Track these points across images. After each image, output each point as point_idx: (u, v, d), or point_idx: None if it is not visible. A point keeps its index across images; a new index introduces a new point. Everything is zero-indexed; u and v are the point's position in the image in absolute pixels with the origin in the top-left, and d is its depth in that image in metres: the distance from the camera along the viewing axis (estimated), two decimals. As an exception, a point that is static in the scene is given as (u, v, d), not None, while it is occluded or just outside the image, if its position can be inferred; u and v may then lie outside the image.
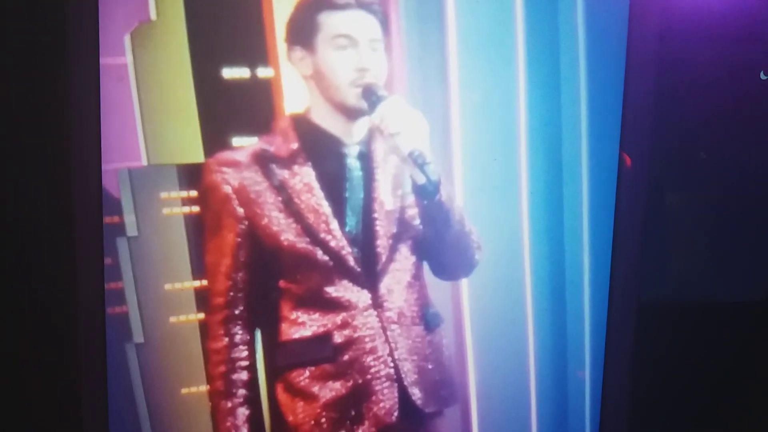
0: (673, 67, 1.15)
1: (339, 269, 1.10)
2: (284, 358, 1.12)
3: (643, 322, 1.21)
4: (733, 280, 1.29)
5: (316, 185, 1.09)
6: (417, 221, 1.12)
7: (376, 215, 1.11)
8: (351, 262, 1.11)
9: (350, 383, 1.12)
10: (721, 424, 1.31)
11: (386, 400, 1.12)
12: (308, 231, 1.09)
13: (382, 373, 1.12)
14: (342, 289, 1.11)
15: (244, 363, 1.10)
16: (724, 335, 1.28)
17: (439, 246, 1.14)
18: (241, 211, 1.08)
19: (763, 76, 1.20)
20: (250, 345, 1.11)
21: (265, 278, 1.10)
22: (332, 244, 1.10)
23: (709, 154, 1.21)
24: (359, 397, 1.12)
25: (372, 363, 1.12)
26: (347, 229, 1.11)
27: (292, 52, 1.07)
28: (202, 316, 1.11)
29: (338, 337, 1.11)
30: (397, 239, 1.13)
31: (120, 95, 1.06)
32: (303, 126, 1.09)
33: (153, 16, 1.05)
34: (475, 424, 1.22)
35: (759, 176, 1.25)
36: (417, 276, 1.15)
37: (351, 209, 1.11)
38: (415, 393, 1.13)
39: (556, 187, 1.18)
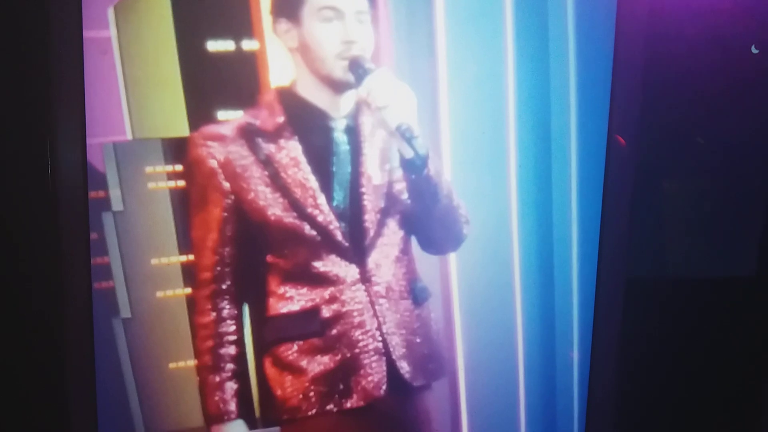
0: (663, 40, 1.14)
1: (327, 244, 1.10)
2: (272, 332, 1.12)
3: (631, 296, 1.22)
4: (720, 255, 1.29)
5: (302, 159, 1.08)
6: (405, 195, 1.12)
7: (363, 189, 1.11)
8: (339, 236, 1.10)
9: (338, 357, 1.12)
10: (708, 400, 1.32)
11: (374, 374, 1.13)
12: (295, 205, 1.09)
13: (371, 347, 1.13)
14: (330, 264, 1.11)
15: (232, 337, 1.10)
16: (711, 311, 1.28)
17: (427, 220, 1.14)
18: (227, 185, 1.08)
19: (754, 50, 1.19)
20: (238, 319, 1.11)
21: (252, 253, 1.10)
22: (320, 218, 1.09)
23: (698, 132, 1.21)
24: (347, 371, 1.12)
25: (360, 337, 1.12)
26: (334, 203, 1.10)
27: (277, 24, 1.06)
28: (189, 290, 1.11)
29: (326, 312, 1.11)
30: (385, 213, 1.12)
31: (104, 69, 1.05)
32: (289, 99, 1.08)
33: (137, -13, 1.04)
34: (463, 398, 1.22)
35: (747, 153, 1.25)
36: (405, 250, 1.15)
37: (338, 183, 1.10)
38: (404, 367, 1.14)
39: (545, 161, 1.18)
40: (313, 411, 1.12)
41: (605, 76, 1.15)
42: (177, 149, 1.08)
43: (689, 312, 1.26)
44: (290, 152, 1.08)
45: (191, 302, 1.11)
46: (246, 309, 1.12)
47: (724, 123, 1.22)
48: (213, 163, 1.07)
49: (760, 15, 1.18)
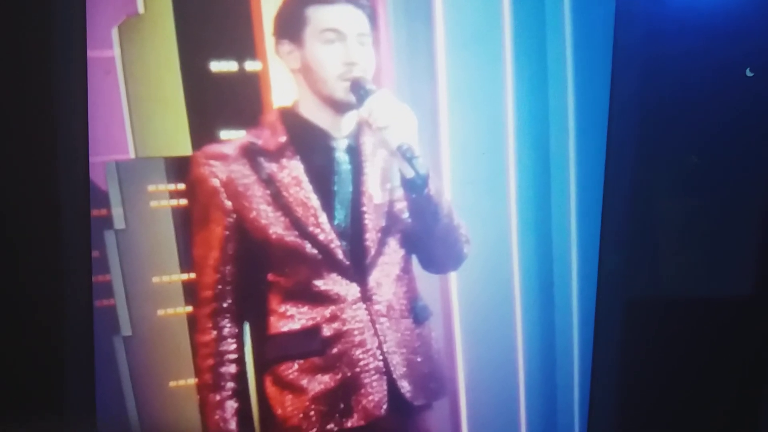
0: (660, 62, 1.15)
1: (328, 262, 1.10)
2: (273, 351, 1.12)
3: (631, 316, 1.22)
4: (720, 275, 1.29)
5: (304, 178, 1.09)
6: (406, 215, 1.12)
7: (364, 209, 1.11)
8: (340, 255, 1.10)
9: (339, 376, 1.11)
10: (708, 419, 1.32)
11: (375, 393, 1.12)
12: (297, 224, 1.09)
13: (371, 366, 1.12)
14: (331, 283, 1.11)
15: (233, 356, 1.10)
16: (712, 331, 1.28)
17: (427, 239, 1.14)
18: (229, 204, 1.08)
19: (749, 73, 1.20)
20: (239, 338, 1.10)
21: (253, 271, 1.10)
22: (321, 237, 1.10)
23: (696, 151, 1.22)
24: (348, 390, 1.12)
25: (361, 356, 1.12)
26: (336, 222, 1.10)
27: (280, 45, 1.07)
28: (190, 309, 1.11)
29: (327, 330, 1.11)
30: (385, 233, 1.12)
31: (107, 88, 1.06)
32: (291, 119, 1.09)
33: (141, 9, 1.05)
34: (464, 418, 1.22)
35: (746, 173, 1.25)
36: (406, 269, 1.15)
37: (340, 203, 1.11)
38: (404, 386, 1.13)
39: (544, 181, 1.18)
40: (314, 430, 1.12)
41: (603, 97, 1.15)
42: (179, 168, 1.09)
43: (689, 331, 1.26)
44: (292, 171, 1.09)
45: (192, 320, 1.11)
46: (247, 327, 1.12)
47: (722, 142, 1.23)
48: (215, 182, 1.08)
49: (755, 36, 1.19)
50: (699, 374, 1.29)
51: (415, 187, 1.09)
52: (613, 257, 1.19)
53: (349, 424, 1.12)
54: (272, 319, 1.11)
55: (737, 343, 1.30)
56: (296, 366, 1.11)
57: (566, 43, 1.15)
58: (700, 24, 1.15)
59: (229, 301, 1.10)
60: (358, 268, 1.11)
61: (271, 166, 1.09)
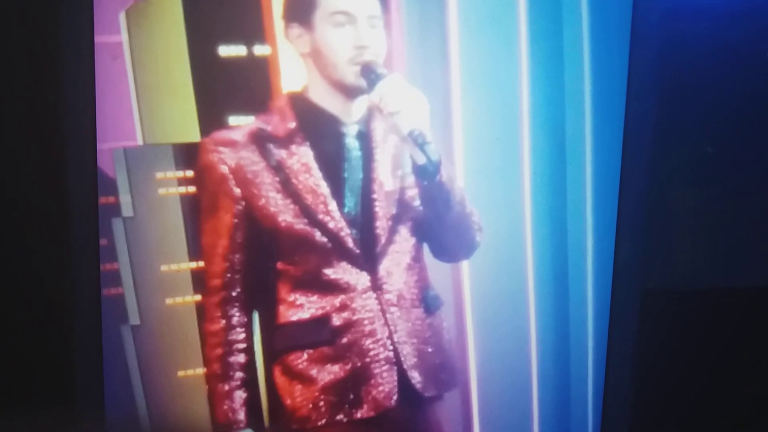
0: (679, 44, 1.13)
1: (338, 251, 1.09)
2: (282, 340, 1.10)
3: (647, 307, 1.19)
4: (737, 265, 1.27)
5: (314, 165, 1.08)
6: (417, 202, 1.11)
7: (375, 196, 1.10)
8: (350, 243, 1.09)
9: (349, 366, 1.10)
10: (724, 411, 1.30)
11: (385, 384, 1.11)
12: (306, 212, 1.08)
13: (381, 356, 1.11)
14: (341, 271, 1.09)
15: (242, 345, 1.09)
16: (728, 321, 1.26)
17: (439, 227, 1.12)
18: (238, 191, 1.07)
19: (772, 56, 1.17)
20: (248, 327, 1.09)
21: (262, 260, 1.09)
22: (331, 225, 1.08)
23: (713, 140, 1.19)
24: (358, 380, 1.10)
25: (371, 346, 1.11)
26: (346, 210, 1.09)
27: (289, 29, 1.05)
28: (198, 297, 1.10)
29: (337, 320, 1.10)
30: (396, 220, 1.11)
31: (115, 74, 1.05)
32: (301, 105, 1.07)
33: (148, -7, 1.04)
34: (475, 409, 1.20)
35: (764, 162, 1.23)
36: (417, 258, 1.13)
37: (350, 190, 1.09)
38: (415, 377, 1.12)
39: (560, 168, 1.16)
40: (323, 421, 1.11)
41: (621, 81, 1.13)
42: (188, 155, 1.07)
43: (706, 322, 1.24)
44: (301, 158, 1.08)
45: (201, 309, 1.10)
46: (256, 317, 1.11)
47: (741, 129, 1.20)
48: (224, 169, 1.06)
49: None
50: (715, 366, 1.27)
51: (426, 173, 1.07)
52: (629, 247, 1.16)
53: (358, 415, 1.10)
54: (281, 308, 1.10)
55: (755, 334, 1.27)
56: (306, 356, 1.10)
57: (583, 25, 1.12)
58: (720, 5, 1.12)
59: (238, 289, 1.09)
60: (368, 256, 1.10)
61: (280, 153, 1.07)
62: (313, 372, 1.10)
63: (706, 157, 1.21)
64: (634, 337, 1.19)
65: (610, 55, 1.13)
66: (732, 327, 1.26)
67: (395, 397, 1.11)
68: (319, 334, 1.10)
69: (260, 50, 1.06)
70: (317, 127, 1.08)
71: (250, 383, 1.10)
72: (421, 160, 1.05)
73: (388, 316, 1.11)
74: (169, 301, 1.11)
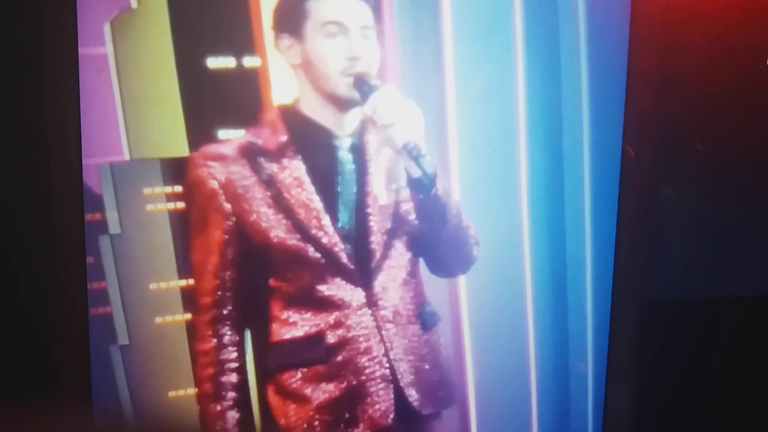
0: (678, 54, 1.12)
1: (331, 266, 1.07)
2: (275, 359, 1.09)
3: (647, 318, 1.18)
4: (737, 274, 1.26)
5: (306, 179, 1.06)
6: (412, 216, 1.09)
7: (369, 210, 1.08)
8: (344, 259, 1.07)
9: (344, 385, 1.08)
10: (725, 421, 1.28)
11: (382, 402, 1.09)
12: (299, 227, 1.06)
13: (377, 374, 1.09)
14: (335, 287, 1.08)
15: (234, 365, 1.07)
16: (729, 331, 1.25)
17: (435, 242, 1.11)
18: (228, 206, 1.05)
19: (769, 63, 1.16)
20: (240, 346, 1.08)
21: (254, 277, 1.07)
22: (324, 240, 1.06)
23: (713, 147, 1.18)
24: (354, 399, 1.09)
25: (367, 364, 1.09)
26: (340, 224, 1.07)
27: (279, 40, 1.04)
28: (189, 316, 1.08)
29: (331, 337, 1.08)
30: (391, 235, 1.09)
31: (100, 87, 1.03)
32: (292, 117, 1.06)
33: (134, 3, 1.02)
34: (473, 427, 1.19)
35: (763, 170, 1.22)
36: (413, 273, 1.12)
37: (343, 204, 1.08)
38: (412, 394, 1.10)
39: (557, 180, 1.15)
40: (319, 441, 1.09)
41: (619, 91, 1.12)
42: (176, 170, 1.05)
43: (707, 332, 1.23)
44: (293, 172, 1.06)
45: (191, 328, 1.08)
46: (248, 335, 1.09)
47: (741, 139, 1.19)
48: (214, 184, 1.04)
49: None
50: (717, 377, 1.25)
51: (422, 187, 1.05)
52: (628, 257, 1.16)
53: (354, 434, 1.09)
54: (274, 326, 1.08)
55: (756, 344, 1.26)
56: (300, 374, 1.08)
57: (580, 34, 1.11)
58: (718, 14, 1.11)
59: (230, 307, 1.07)
60: (363, 272, 1.08)
61: (271, 167, 1.05)
62: (308, 391, 1.08)
63: (708, 165, 1.19)
64: (634, 349, 1.19)
65: (607, 64, 1.12)
66: (733, 336, 1.25)
67: (392, 416, 1.10)
68: (314, 352, 1.08)
69: (250, 62, 1.04)
70: (309, 140, 1.06)
71: (242, 403, 1.08)
72: (416, 173, 1.04)
73: (383, 332, 1.10)
74: (158, 320, 1.09)
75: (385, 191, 1.09)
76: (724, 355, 1.25)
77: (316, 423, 1.08)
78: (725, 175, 1.21)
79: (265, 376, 1.09)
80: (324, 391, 1.08)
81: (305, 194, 1.06)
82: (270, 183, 1.05)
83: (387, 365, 1.10)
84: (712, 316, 1.25)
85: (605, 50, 1.12)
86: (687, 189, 1.23)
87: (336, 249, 1.07)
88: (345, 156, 1.07)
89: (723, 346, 1.25)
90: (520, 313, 1.18)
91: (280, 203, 1.05)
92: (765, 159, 1.21)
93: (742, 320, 1.26)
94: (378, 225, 1.08)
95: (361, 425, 1.09)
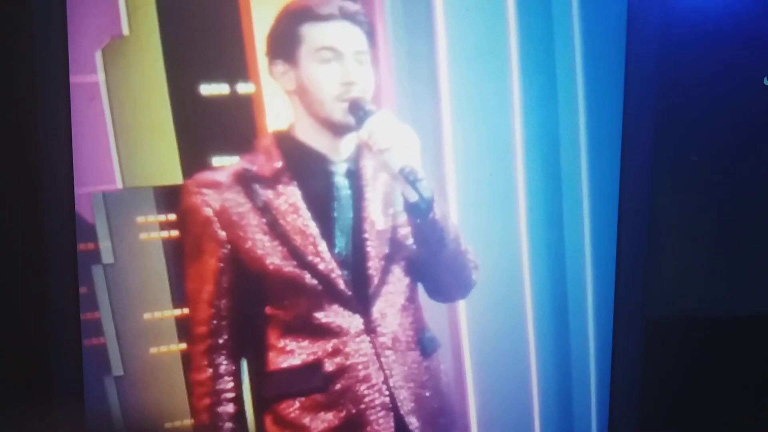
0: (675, 74, 1.11)
1: (328, 293, 1.06)
2: (272, 388, 1.07)
3: (651, 340, 1.17)
4: (741, 293, 1.25)
5: (302, 205, 1.05)
6: (410, 241, 1.08)
7: (366, 235, 1.07)
8: (341, 285, 1.06)
9: (343, 413, 1.07)
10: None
11: (381, 431, 1.07)
12: (295, 254, 1.05)
13: (377, 402, 1.08)
14: (332, 315, 1.06)
15: (230, 395, 1.06)
16: (734, 351, 1.23)
17: (434, 266, 1.09)
18: (222, 234, 1.03)
19: (766, 82, 1.16)
20: (236, 376, 1.06)
21: (250, 305, 1.06)
22: (321, 266, 1.05)
23: (715, 164, 1.17)
24: (353, 428, 1.07)
25: (366, 392, 1.07)
26: (336, 250, 1.06)
27: (273, 66, 1.03)
28: (184, 346, 1.07)
29: (329, 365, 1.06)
30: (389, 260, 1.08)
31: (92, 115, 1.02)
32: (287, 143, 1.05)
33: (125, 30, 1.01)
34: (476, 454, 1.17)
35: (766, 185, 1.21)
36: (411, 298, 1.10)
37: (340, 230, 1.06)
38: (412, 422, 1.09)
39: (556, 202, 1.14)
40: (317, 472, 1.07)
41: (616, 113, 1.12)
42: (170, 198, 1.04)
43: (712, 354, 1.22)
44: (289, 198, 1.05)
45: (186, 358, 1.07)
46: (244, 364, 1.07)
47: (742, 155, 1.18)
48: (208, 212, 1.03)
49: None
50: (723, 400, 1.23)
51: (419, 211, 1.04)
52: (630, 280, 1.15)
53: (354, 464, 1.07)
54: (271, 354, 1.06)
55: (763, 364, 1.25)
56: (297, 404, 1.07)
57: (576, 56, 1.11)
58: (716, 33, 1.11)
59: (225, 336, 1.05)
60: (360, 298, 1.07)
61: (266, 193, 1.04)
62: (306, 420, 1.07)
63: (708, 185, 1.19)
64: (638, 372, 1.17)
65: (604, 86, 1.12)
66: (741, 357, 1.23)
67: (392, 445, 1.08)
68: (312, 381, 1.07)
69: (244, 88, 1.04)
70: (305, 166, 1.05)
71: (240, 435, 1.07)
72: (413, 197, 1.03)
73: (383, 359, 1.08)
74: (153, 350, 1.07)
75: (382, 216, 1.07)
76: (729, 376, 1.23)
77: (316, 453, 1.07)
78: (728, 192, 1.20)
79: (262, 406, 1.07)
80: (323, 421, 1.06)
81: (301, 220, 1.05)
82: (265, 210, 1.04)
83: (387, 393, 1.08)
84: (717, 337, 1.23)
85: (602, 71, 1.12)
86: (688, 207, 1.22)
87: (333, 275, 1.06)
88: (341, 181, 1.06)
89: (728, 367, 1.23)
90: (522, 337, 1.16)
91: (276, 230, 1.04)
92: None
93: (747, 340, 1.24)
94: (375, 250, 1.07)
95: (361, 455, 1.07)
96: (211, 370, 1.05)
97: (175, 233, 1.05)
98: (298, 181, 1.05)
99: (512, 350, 1.16)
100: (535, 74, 1.10)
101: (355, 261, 1.07)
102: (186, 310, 1.06)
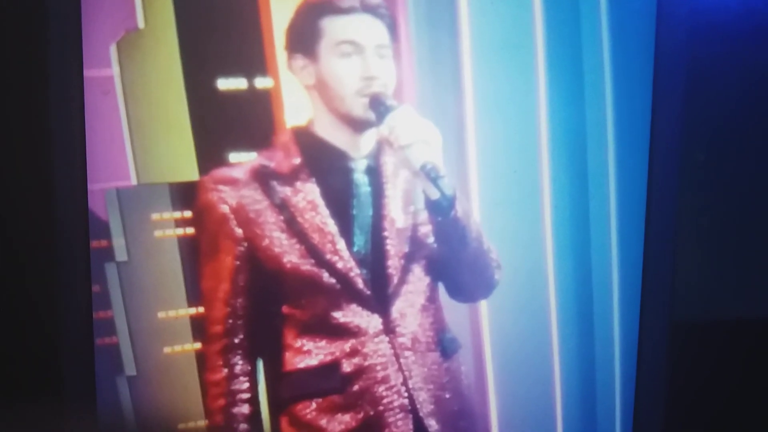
0: (705, 71, 1.09)
1: (347, 292, 1.04)
2: (289, 389, 1.06)
3: (678, 343, 1.15)
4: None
5: (320, 202, 1.03)
6: (431, 239, 1.07)
7: (386, 234, 1.06)
8: (360, 284, 1.05)
9: (361, 415, 1.06)
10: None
11: (400, 434, 1.07)
12: (313, 252, 1.03)
13: (396, 403, 1.06)
14: (350, 314, 1.05)
15: (245, 395, 1.04)
16: (762, 354, 1.21)
17: (455, 266, 1.08)
18: (239, 231, 1.02)
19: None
20: (252, 376, 1.05)
21: (266, 304, 1.04)
22: (339, 265, 1.04)
23: (745, 164, 1.15)
24: (371, 430, 1.06)
25: (384, 393, 1.06)
26: (355, 249, 1.05)
27: (292, 60, 1.02)
28: (198, 345, 1.06)
29: (347, 366, 1.05)
30: (409, 259, 1.07)
31: (106, 110, 1.00)
32: (306, 139, 1.03)
33: (141, 24, 1.00)
34: (496, 458, 1.16)
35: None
36: (432, 298, 1.09)
37: (359, 228, 1.05)
38: (432, 425, 1.08)
39: (582, 201, 1.13)
40: (335, 475, 1.06)
41: (645, 108, 1.10)
42: (185, 194, 1.03)
43: (740, 358, 1.19)
44: (307, 195, 1.03)
45: (201, 358, 1.05)
46: (260, 364, 1.06)
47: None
48: (224, 209, 1.02)
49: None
50: (754, 405, 1.21)
51: (440, 209, 1.03)
52: (657, 282, 1.13)
53: (372, 467, 1.06)
54: (288, 354, 1.05)
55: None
56: (314, 405, 1.05)
57: (604, 51, 1.09)
58: (748, 29, 1.09)
59: (241, 336, 1.04)
60: (379, 298, 1.06)
61: (284, 190, 1.03)
62: (323, 422, 1.05)
63: (736, 183, 1.16)
64: (665, 376, 1.15)
65: (633, 81, 1.10)
66: (767, 359, 1.21)
67: (411, 448, 1.07)
68: (329, 382, 1.05)
69: (262, 83, 1.02)
70: (324, 163, 1.04)
71: (255, 437, 1.06)
72: (435, 195, 1.01)
73: (402, 360, 1.07)
74: (167, 349, 1.06)
75: (403, 214, 1.06)
76: (757, 380, 1.21)
77: (333, 456, 1.06)
78: (757, 193, 1.18)
79: (278, 407, 1.06)
80: (340, 422, 1.05)
81: (319, 218, 1.03)
82: (283, 207, 1.03)
83: (405, 394, 1.07)
84: (744, 339, 1.21)
85: (630, 66, 1.10)
86: (716, 208, 1.20)
87: (351, 274, 1.04)
88: (360, 178, 1.05)
89: (756, 370, 1.21)
90: (545, 339, 1.15)
91: (294, 228, 1.03)
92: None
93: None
94: (395, 249, 1.06)
95: (379, 458, 1.06)
96: (226, 371, 1.04)
97: (190, 231, 1.04)
98: (316, 177, 1.03)
99: (535, 352, 1.15)
100: (561, 69, 1.09)
101: (374, 260, 1.05)
102: (201, 309, 1.05)
